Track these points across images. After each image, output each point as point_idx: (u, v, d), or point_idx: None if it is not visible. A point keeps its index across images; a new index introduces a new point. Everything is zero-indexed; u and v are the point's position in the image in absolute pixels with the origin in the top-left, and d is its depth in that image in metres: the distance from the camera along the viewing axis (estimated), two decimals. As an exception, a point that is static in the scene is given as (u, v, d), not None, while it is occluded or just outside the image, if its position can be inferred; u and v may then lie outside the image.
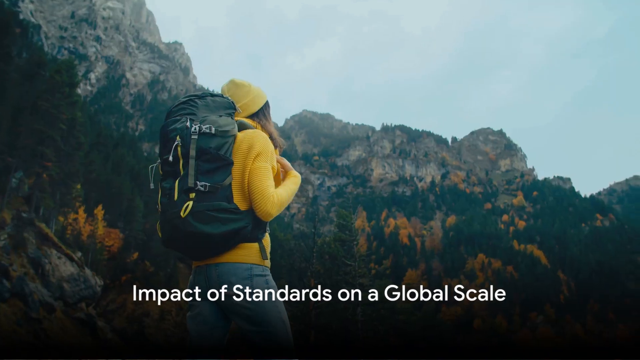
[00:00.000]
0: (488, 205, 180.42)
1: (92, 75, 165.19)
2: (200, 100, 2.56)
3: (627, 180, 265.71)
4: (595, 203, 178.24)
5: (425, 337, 51.72)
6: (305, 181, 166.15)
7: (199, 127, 2.37)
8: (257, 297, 2.40)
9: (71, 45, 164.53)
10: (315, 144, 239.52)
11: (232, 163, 2.42)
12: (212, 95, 2.63)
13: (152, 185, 2.57)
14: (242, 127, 2.62)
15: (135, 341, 45.43)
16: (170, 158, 2.35)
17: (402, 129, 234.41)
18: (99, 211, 49.89)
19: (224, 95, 2.69)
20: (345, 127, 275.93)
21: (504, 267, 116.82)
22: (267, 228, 2.58)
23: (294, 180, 2.67)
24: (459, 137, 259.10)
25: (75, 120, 43.37)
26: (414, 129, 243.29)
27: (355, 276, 22.30)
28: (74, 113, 43.11)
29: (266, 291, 2.42)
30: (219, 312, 2.52)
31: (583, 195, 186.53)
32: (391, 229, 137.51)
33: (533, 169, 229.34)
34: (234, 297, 2.39)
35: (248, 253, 2.46)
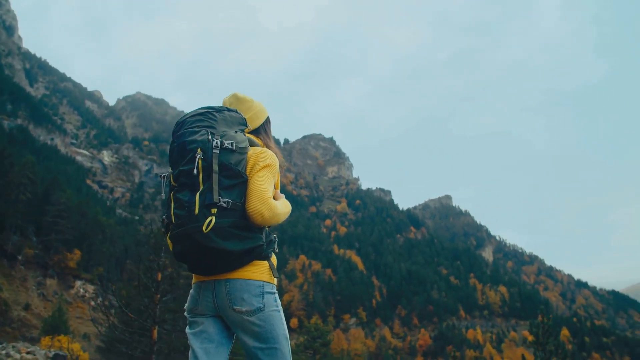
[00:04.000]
0: (313, 209, 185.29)
1: None
2: (219, 114, 2.51)
3: (439, 198, 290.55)
4: (410, 216, 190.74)
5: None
6: (132, 165, 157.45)
7: (221, 141, 2.35)
8: (269, 314, 2.40)
9: None
10: (146, 128, 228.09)
11: (247, 180, 2.40)
12: (229, 110, 2.59)
13: (163, 196, 2.46)
14: (250, 144, 2.60)
15: None
16: (195, 171, 2.28)
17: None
18: None
19: (237, 111, 2.64)
20: (180, 116, 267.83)
21: (324, 269, 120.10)
22: (276, 247, 2.58)
23: (286, 203, 2.57)
24: (292, 139, 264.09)
25: None
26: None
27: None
28: None
29: (275, 309, 2.44)
30: (224, 329, 2.54)
31: (401, 208, 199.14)
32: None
33: (358, 179, 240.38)
34: (245, 315, 2.38)
35: (260, 270, 2.45)
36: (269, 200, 2.32)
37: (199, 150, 2.27)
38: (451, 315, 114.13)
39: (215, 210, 2.22)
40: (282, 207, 2.41)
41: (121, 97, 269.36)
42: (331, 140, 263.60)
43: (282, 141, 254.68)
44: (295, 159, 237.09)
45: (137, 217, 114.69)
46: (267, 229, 2.47)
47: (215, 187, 2.24)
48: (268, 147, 2.71)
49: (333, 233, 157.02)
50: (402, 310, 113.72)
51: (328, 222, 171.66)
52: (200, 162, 2.25)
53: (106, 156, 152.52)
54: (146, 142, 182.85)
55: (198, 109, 2.54)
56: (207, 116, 2.44)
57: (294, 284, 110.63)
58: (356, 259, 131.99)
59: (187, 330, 2.51)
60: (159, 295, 18.79)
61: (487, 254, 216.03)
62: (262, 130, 2.81)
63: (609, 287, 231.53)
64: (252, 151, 2.48)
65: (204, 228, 2.18)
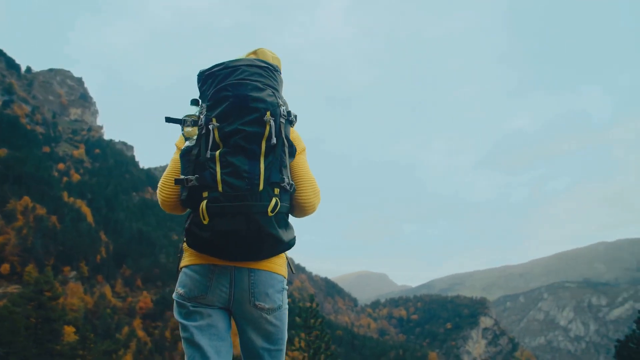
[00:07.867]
0: (47, 149, 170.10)
1: None
2: (278, 75, 2.13)
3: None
4: (149, 176, 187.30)
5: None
6: None
7: (288, 111, 2.02)
8: (283, 313, 2.14)
9: None
10: None
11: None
12: (279, 70, 2.18)
13: (208, 154, 1.94)
14: None
15: None
16: (274, 140, 1.92)
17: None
18: None
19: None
20: None
21: (48, 215, 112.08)
22: None
23: None
24: (36, 68, 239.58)
25: None
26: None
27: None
28: None
29: (286, 307, 2.18)
30: (230, 325, 2.21)
31: (141, 167, 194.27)
32: None
33: (102, 127, 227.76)
34: (266, 312, 2.08)
35: (282, 263, 2.16)
36: (319, 193, 2.13)
37: (268, 113, 1.93)
38: (175, 281, 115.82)
39: (278, 190, 1.93)
40: None
41: None
42: (80, 81, 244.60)
43: (23, 68, 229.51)
44: (35, 91, 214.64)
45: None
46: None
47: (286, 163, 1.97)
48: None
49: (65, 179, 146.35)
50: (127, 270, 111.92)
51: (61, 166, 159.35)
52: (268, 128, 1.93)
53: None
54: None
55: (253, 59, 2.11)
56: (268, 73, 2.07)
57: (12, 226, 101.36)
58: (86, 210, 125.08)
59: (186, 322, 2.12)
60: None
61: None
62: None
63: (323, 275, 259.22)
64: None
65: (269, 210, 1.86)
